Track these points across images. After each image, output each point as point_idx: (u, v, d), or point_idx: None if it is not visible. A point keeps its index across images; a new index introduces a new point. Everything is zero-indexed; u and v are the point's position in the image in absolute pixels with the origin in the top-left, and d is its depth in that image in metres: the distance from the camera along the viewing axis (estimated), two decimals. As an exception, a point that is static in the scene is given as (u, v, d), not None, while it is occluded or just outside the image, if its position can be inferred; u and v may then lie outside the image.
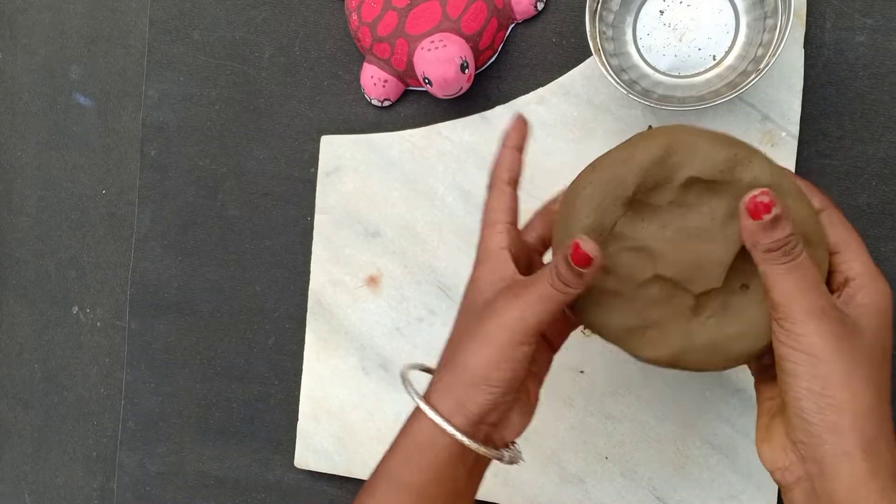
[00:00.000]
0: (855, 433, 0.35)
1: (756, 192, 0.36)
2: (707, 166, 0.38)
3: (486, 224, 0.42)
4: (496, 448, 0.40)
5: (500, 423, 0.40)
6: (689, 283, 0.39)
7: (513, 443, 0.42)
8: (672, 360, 0.40)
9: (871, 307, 0.37)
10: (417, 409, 0.40)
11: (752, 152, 0.39)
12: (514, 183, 0.42)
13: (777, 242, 0.36)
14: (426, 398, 0.39)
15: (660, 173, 0.39)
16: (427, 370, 0.43)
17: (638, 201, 0.40)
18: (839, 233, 0.39)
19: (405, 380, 0.41)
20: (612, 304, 0.40)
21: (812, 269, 0.36)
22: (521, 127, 0.43)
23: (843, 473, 0.35)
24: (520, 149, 0.43)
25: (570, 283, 0.38)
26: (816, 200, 0.40)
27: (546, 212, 0.45)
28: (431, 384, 0.40)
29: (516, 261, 0.41)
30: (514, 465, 0.41)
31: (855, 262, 0.38)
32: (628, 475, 0.54)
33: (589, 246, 0.37)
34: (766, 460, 0.38)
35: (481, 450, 0.38)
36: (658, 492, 0.54)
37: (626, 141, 0.41)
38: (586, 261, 0.37)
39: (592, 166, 0.41)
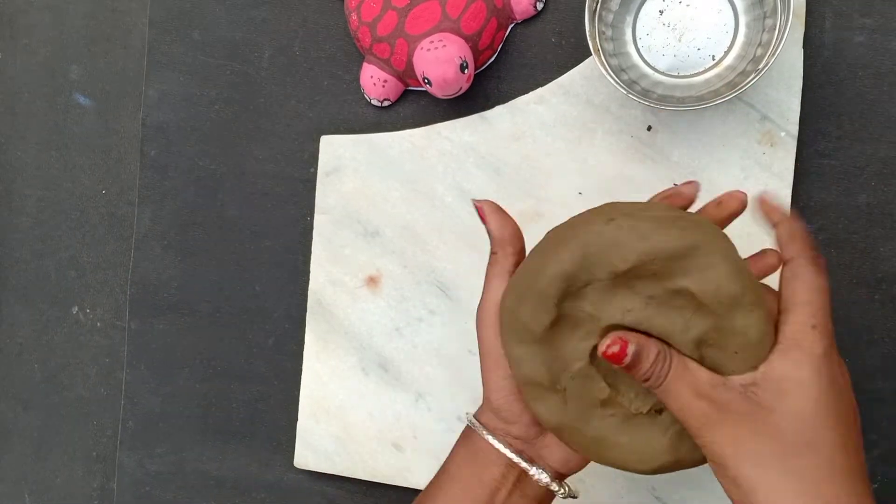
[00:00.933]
0: None
1: (607, 341, 0.36)
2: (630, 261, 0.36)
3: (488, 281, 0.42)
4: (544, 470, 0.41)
5: (529, 439, 0.41)
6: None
7: (563, 477, 0.42)
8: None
9: (785, 383, 0.34)
10: (465, 437, 0.43)
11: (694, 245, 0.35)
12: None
13: (645, 375, 0.36)
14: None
15: (580, 277, 0.37)
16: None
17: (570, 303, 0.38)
18: (793, 288, 0.36)
19: (469, 419, 0.43)
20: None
21: (690, 377, 0.35)
22: (688, 192, 0.42)
23: None
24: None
25: (497, 242, 0.41)
26: (795, 247, 0.37)
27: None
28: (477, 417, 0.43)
29: None
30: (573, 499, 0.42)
31: (790, 323, 0.35)
32: (628, 475, 0.54)
33: (480, 201, 0.42)
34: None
35: (521, 462, 0.40)
36: (658, 492, 0.54)
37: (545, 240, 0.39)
38: (483, 210, 0.42)
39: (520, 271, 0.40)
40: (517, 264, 0.41)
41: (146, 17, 0.62)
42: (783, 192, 0.52)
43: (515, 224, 0.42)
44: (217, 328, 0.61)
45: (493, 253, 0.42)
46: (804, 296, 0.35)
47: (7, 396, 0.68)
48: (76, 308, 0.66)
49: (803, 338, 0.34)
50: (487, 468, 0.41)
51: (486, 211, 0.42)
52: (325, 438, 0.59)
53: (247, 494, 0.62)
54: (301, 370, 0.59)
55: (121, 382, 0.64)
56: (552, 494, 0.41)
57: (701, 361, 0.36)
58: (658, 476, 0.54)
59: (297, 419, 0.60)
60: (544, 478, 0.40)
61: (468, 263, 0.56)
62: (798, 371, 0.34)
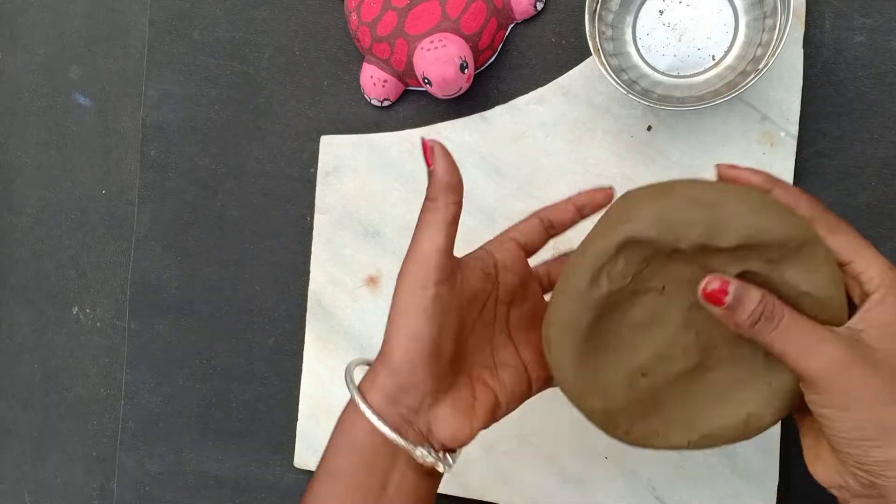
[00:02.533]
0: None
1: (704, 281, 0.35)
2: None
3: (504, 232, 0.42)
4: (430, 445, 0.38)
5: (421, 410, 0.37)
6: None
7: (451, 451, 0.39)
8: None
9: (889, 327, 0.34)
10: (349, 405, 0.39)
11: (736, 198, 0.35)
12: (547, 221, 0.43)
13: (752, 317, 0.35)
14: (361, 385, 0.38)
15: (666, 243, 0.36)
16: (370, 363, 0.41)
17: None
18: (842, 240, 0.36)
19: (347, 373, 0.40)
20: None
21: (802, 324, 0.35)
22: (599, 195, 0.43)
23: None
24: (577, 206, 0.43)
25: (433, 195, 0.38)
26: (804, 207, 0.37)
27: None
28: (363, 379, 0.39)
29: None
30: (440, 469, 0.38)
31: (870, 270, 0.35)
32: (628, 475, 0.54)
33: (429, 140, 0.38)
34: (821, 480, 0.37)
35: (383, 428, 0.36)
36: (658, 492, 0.54)
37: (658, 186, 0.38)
38: (429, 150, 0.38)
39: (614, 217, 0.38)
40: (455, 217, 0.38)
41: (146, 17, 0.62)
42: (783, 192, 0.52)
43: (460, 174, 0.39)
44: (217, 328, 0.61)
45: (432, 199, 0.38)
46: (859, 244, 0.36)
47: (7, 396, 0.68)
48: (76, 308, 0.66)
49: (892, 280, 0.35)
50: (375, 456, 0.37)
51: (436, 152, 0.38)
52: (325, 438, 0.58)
53: (247, 494, 0.62)
54: (301, 370, 0.59)
55: (121, 382, 0.64)
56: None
57: None
58: (658, 476, 0.54)
59: (297, 419, 0.60)
60: (430, 458, 0.37)
61: (468, 263, 0.56)
62: None
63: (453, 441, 0.38)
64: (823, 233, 0.36)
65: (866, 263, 0.35)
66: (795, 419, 0.40)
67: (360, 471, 0.38)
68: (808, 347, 0.34)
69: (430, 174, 0.39)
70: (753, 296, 0.35)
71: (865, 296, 0.36)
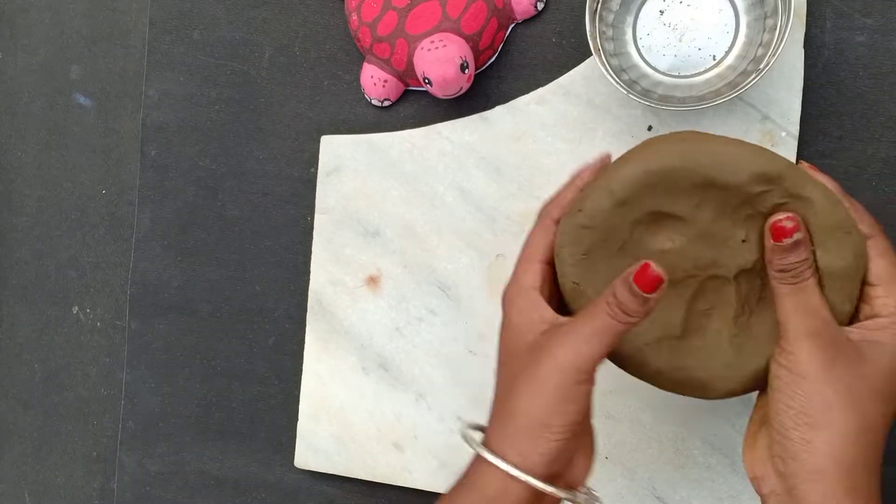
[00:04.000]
0: (830, 456, 0.34)
1: (782, 215, 0.37)
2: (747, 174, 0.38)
3: (523, 259, 0.41)
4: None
5: (565, 471, 0.38)
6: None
7: (585, 487, 0.39)
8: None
9: (886, 346, 0.37)
10: (476, 464, 0.37)
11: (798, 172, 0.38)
12: (559, 223, 0.41)
13: (789, 265, 0.37)
14: (489, 443, 0.37)
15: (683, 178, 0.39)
16: (482, 429, 0.40)
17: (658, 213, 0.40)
18: (883, 265, 0.38)
19: (466, 436, 0.39)
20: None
21: (816, 294, 0.37)
22: (600, 166, 0.42)
23: (812, 494, 0.34)
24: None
25: (632, 311, 0.35)
26: (865, 226, 0.39)
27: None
28: (487, 437, 0.38)
29: (548, 300, 0.40)
30: None
31: (890, 298, 0.38)
32: (628, 475, 0.54)
33: (659, 269, 0.35)
34: (747, 468, 0.38)
35: (560, 493, 0.36)
36: (658, 492, 0.54)
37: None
38: (655, 284, 0.35)
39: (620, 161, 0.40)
40: (619, 338, 0.37)
41: (146, 17, 0.62)
42: (784, 193, 0.52)
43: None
44: (217, 328, 0.61)
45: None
46: (893, 272, 0.38)
47: (7, 396, 0.68)
48: (76, 308, 0.66)
49: None
50: None
51: (659, 290, 0.36)
52: (325, 438, 0.59)
53: (247, 494, 0.62)
54: (301, 370, 0.59)
55: (121, 382, 0.64)
56: None
57: None
58: (658, 476, 0.54)
59: (297, 419, 0.60)
60: (574, 497, 0.38)
61: (468, 263, 0.56)
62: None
63: (584, 480, 0.39)
64: (871, 253, 0.38)
65: (890, 291, 0.38)
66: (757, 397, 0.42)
67: None
68: (806, 312, 0.37)
69: (642, 301, 0.36)
70: (804, 251, 0.37)
71: (874, 315, 0.38)
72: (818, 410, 0.35)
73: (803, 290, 0.37)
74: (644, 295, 0.35)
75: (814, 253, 0.38)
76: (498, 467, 0.36)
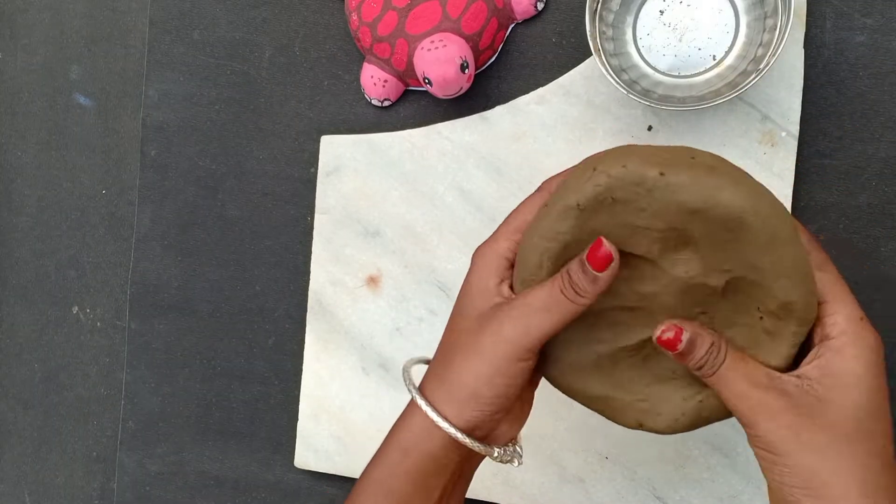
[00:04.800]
0: None
1: (660, 329, 0.36)
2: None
3: (507, 223, 0.40)
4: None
5: (487, 437, 0.39)
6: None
7: (513, 441, 0.40)
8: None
9: (844, 377, 0.34)
10: (408, 408, 0.39)
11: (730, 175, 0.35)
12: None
13: (698, 363, 0.36)
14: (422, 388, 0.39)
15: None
16: (428, 362, 0.42)
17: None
18: (826, 278, 0.36)
19: (406, 374, 0.40)
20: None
21: (746, 369, 0.36)
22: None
23: None
24: None
25: (583, 290, 0.36)
26: (803, 238, 0.37)
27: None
28: (422, 384, 0.39)
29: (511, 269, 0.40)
30: (514, 466, 0.40)
31: (839, 315, 0.36)
32: (628, 475, 0.54)
33: (610, 246, 0.35)
34: None
35: (475, 445, 0.37)
36: (658, 492, 0.54)
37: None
38: (606, 262, 0.35)
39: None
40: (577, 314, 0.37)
41: (146, 17, 0.62)
42: (784, 193, 0.52)
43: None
44: (217, 328, 0.61)
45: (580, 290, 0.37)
46: (839, 288, 0.36)
47: (7, 396, 0.68)
48: (76, 308, 0.66)
49: (856, 331, 0.35)
50: (429, 462, 0.38)
51: (610, 268, 0.36)
52: (325, 438, 0.59)
53: (247, 494, 0.62)
54: (301, 370, 0.59)
55: (121, 382, 0.64)
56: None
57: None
58: (658, 476, 0.54)
59: (297, 419, 0.60)
60: (507, 457, 0.39)
61: (468, 263, 0.56)
62: (856, 365, 0.34)
63: (503, 444, 0.39)
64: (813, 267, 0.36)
65: (840, 307, 0.36)
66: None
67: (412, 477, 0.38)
68: (743, 394, 0.35)
69: (592, 279, 0.36)
70: (704, 342, 0.36)
71: (825, 338, 0.36)
72: (810, 481, 0.34)
73: (728, 373, 0.36)
74: (595, 273, 0.35)
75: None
76: (424, 413, 0.37)
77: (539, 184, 0.41)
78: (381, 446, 0.40)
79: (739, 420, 0.36)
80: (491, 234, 0.41)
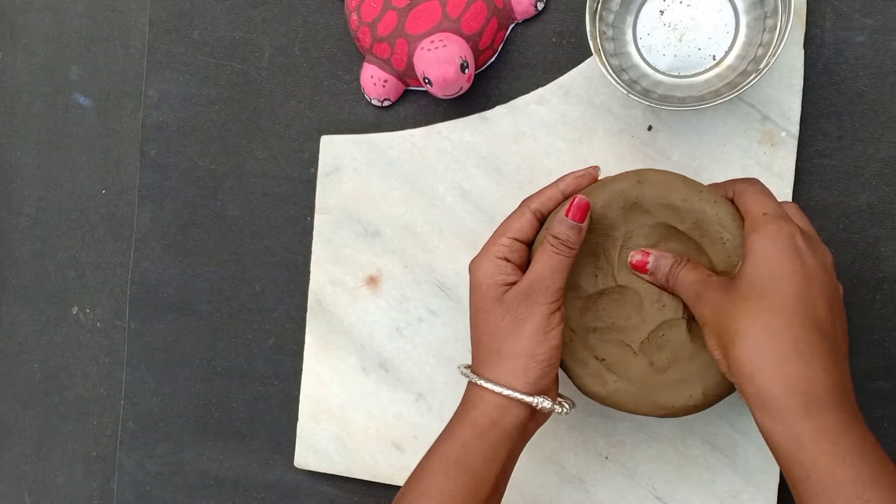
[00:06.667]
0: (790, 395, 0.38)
1: (632, 255, 0.47)
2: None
3: (495, 235, 0.46)
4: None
5: (549, 395, 0.45)
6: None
7: (562, 396, 0.47)
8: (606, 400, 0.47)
9: (745, 258, 0.41)
10: (469, 396, 0.45)
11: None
12: (539, 214, 0.46)
13: (664, 278, 0.46)
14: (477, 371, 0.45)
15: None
16: (468, 366, 0.47)
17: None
18: (744, 200, 0.44)
19: (463, 369, 0.46)
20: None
21: (697, 273, 0.44)
22: (585, 180, 0.47)
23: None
24: (565, 195, 0.46)
25: (571, 240, 0.44)
26: (735, 183, 0.45)
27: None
28: (479, 376, 0.45)
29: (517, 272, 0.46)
30: (564, 413, 0.47)
31: (748, 219, 0.43)
32: (628, 475, 0.54)
33: (584, 197, 0.44)
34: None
35: (545, 404, 0.44)
36: (658, 492, 0.54)
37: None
38: (584, 211, 0.44)
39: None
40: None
41: (146, 17, 0.62)
42: (784, 192, 0.52)
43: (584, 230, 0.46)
44: (217, 328, 0.61)
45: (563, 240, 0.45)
46: (753, 198, 0.43)
47: (7, 396, 0.68)
48: (76, 308, 0.66)
49: (756, 223, 0.42)
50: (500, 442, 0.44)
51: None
52: (325, 438, 0.59)
53: (247, 494, 0.62)
54: (301, 370, 0.59)
55: (121, 382, 0.64)
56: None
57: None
58: (658, 476, 0.54)
59: (297, 419, 0.60)
60: (558, 408, 0.46)
61: (468, 263, 0.56)
62: (754, 245, 0.41)
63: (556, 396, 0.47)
64: (740, 190, 0.44)
65: (750, 212, 0.43)
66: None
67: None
68: (690, 289, 0.44)
69: (578, 230, 0.45)
70: (668, 261, 0.45)
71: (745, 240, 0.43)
72: (720, 338, 0.41)
73: (685, 279, 0.44)
74: (578, 224, 0.44)
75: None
76: (493, 392, 0.43)
77: (539, 184, 0.44)
78: (447, 429, 0.45)
79: (691, 308, 0.44)
80: (481, 249, 0.47)
